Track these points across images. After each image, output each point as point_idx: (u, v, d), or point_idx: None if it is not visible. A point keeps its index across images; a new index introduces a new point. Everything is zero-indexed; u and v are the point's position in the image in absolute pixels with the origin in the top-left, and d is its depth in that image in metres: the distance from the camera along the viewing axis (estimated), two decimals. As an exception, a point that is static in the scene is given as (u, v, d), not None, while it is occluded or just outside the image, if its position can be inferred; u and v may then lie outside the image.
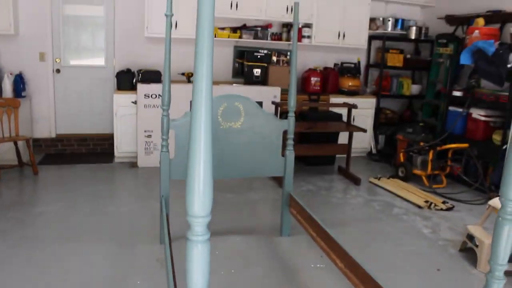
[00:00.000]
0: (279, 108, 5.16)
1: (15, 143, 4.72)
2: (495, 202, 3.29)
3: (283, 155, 3.38)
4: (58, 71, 5.62)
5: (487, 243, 3.15)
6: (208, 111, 1.01)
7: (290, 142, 3.35)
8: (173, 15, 3.04)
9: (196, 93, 1.02)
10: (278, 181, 4.83)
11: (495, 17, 5.34)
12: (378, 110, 6.24)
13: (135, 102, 5.11)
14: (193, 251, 1.05)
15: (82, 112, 5.77)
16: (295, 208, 3.30)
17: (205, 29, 1.02)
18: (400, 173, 5.20)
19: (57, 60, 5.58)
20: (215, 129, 3.16)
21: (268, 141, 3.30)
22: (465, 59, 5.06)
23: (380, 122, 6.32)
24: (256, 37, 5.80)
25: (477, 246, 3.24)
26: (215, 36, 5.62)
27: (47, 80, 5.57)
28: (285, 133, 3.35)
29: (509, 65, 4.65)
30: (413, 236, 3.66)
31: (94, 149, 5.84)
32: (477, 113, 5.08)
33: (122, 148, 5.30)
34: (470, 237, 3.33)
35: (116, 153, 5.33)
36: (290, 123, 3.33)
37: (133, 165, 5.23)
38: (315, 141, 5.24)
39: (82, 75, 5.71)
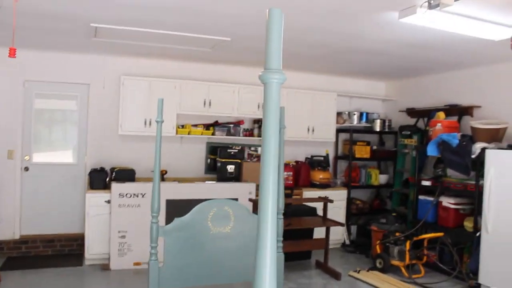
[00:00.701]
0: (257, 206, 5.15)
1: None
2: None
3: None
4: (26, 169, 5.46)
5: None
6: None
7: (280, 244, 3.32)
8: (163, 121, 3.07)
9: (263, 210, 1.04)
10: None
11: (453, 110, 5.71)
12: (350, 201, 6.34)
13: (109, 202, 4.99)
14: None
15: (50, 211, 5.55)
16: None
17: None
18: (378, 265, 5.20)
19: (26, 157, 5.45)
20: (205, 235, 3.10)
21: (258, 244, 3.25)
22: (431, 150, 5.30)
23: (352, 213, 6.40)
24: (228, 133, 5.91)
25: None
26: (188, 134, 5.70)
27: (14, 179, 5.39)
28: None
29: (473, 156, 4.90)
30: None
31: (62, 250, 5.56)
32: (447, 201, 5.25)
33: (93, 249, 5.07)
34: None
35: (86, 255, 5.09)
36: (279, 225, 3.31)
37: (105, 267, 5.00)
38: (291, 237, 5.21)
39: (52, 173, 5.57)
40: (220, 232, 3.15)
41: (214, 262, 3.13)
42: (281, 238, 3.33)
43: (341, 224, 4.99)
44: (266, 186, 1.13)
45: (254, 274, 1.09)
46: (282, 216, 3.35)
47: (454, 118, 5.69)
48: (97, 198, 5.03)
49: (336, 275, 4.90)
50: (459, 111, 5.68)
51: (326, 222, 5.15)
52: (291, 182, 5.93)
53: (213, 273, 3.14)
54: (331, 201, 5.27)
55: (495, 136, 5.02)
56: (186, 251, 3.07)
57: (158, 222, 3.01)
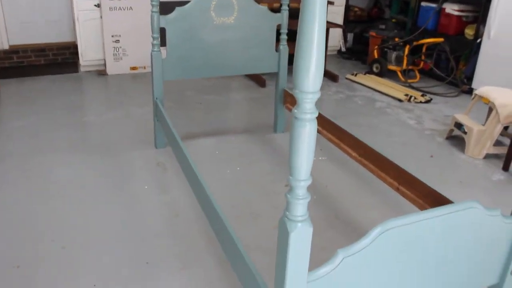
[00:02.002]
0: None
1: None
2: (481, 91, 3.39)
3: (276, 50, 3.27)
4: (4, -28, 5.05)
5: (475, 130, 3.28)
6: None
7: (284, 37, 3.23)
8: None
9: None
10: (256, 80, 4.75)
11: None
12: (348, 8, 6.11)
13: (98, 5, 4.73)
14: (301, 130, 0.99)
15: (37, 19, 5.29)
16: (291, 103, 3.26)
17: None
18: (374, 69, 5.23)
19: (1, -41, 5.00)
20: (208, 25, 2.98)
21: (262, 36, 3.17)
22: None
23: (349, 20, 6.22)
24: None
25: (465, 133, 3.37)
26: None
27: (-8, -16, 5.02)
28: (278, 27, 3.22)
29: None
30: (400, 128, 3.76)
31: (55, 60, 5.45)
32: (451, 8, 5.06)
33: (87, 55, 4.97)
34: (458, 125, 3.45)
35: (81, 62, 5.00)
36: (283, 17, 3.19)
37: (102, 72, 4.96)
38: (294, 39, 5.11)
39: (32, -24, 5.17)
40: (224, 23, 3.03)
41: (217, 54, 3.07)
42: (286, 31, 3.23)
43: (340, 26, 4.87)
44: None
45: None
46: (287, 8, 3.21)
47: None
48: (85, 1, 4.75)
49: (333, 77, 4.95)
50: None
51: (326, 24, 5.01)
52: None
53: (215, 65, 3.11)
54: (332, 3, 5.06)
55: None
56: (188, 42, 2.98)
57: (158, 11, 2.85)
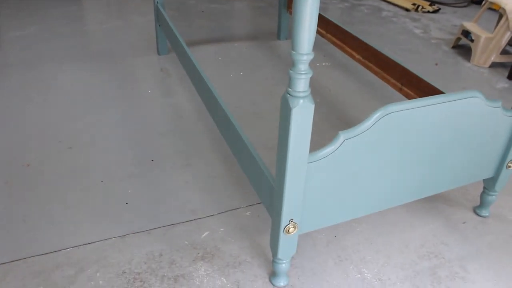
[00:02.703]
0: None
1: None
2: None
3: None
4: None
5: (483, 37, 3.22)
6: None
7: None
8: None
9: None
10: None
11: None
12: None
13: None
14: (304, 2, 0.98)
15: None
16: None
17: None
18: (382, -21, 5.04)
19: None
20: None
21: None
22: None
23: None
24: None
25: (472, 41, 3.31)
26: None
27: None
28: None
29: None
30: (406, 37, 3.69)
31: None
32: None
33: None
34: (466, 33, 3.38)
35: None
36: None
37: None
38: None
39: None
40: None
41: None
42: None
43: None
44: None
45: None
46: None
47: None
48: None
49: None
50: None
51: None
52: None
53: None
54: None
55: None
56: None
57: None
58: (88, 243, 1.65)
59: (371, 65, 2.37)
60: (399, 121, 1.30)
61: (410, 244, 1.67)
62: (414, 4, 4.32)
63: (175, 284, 1.49)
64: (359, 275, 1.53)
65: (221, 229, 1.71)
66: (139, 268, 1.54)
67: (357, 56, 2.48)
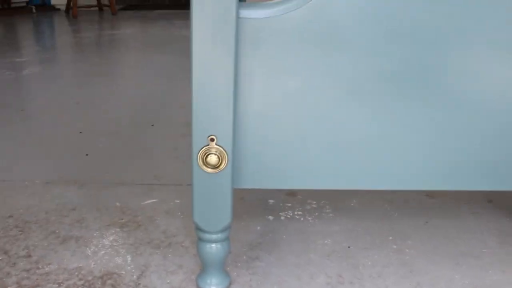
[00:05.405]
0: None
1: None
2: None
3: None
4: None
5: None
6: None
7: None
8: None
9: None
10: None
11: None
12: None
13: None
14: None
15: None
16: None
17: None
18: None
19: None
20: None
21: None
22: None
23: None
24: None
25: None
26: None
27: None
28: None
29: None
30: None
31: None
32: None
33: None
34: None
35: None
36: None
37: None
38: None
39: None
40: None
41: None
42: None
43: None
44: None
45: None
46: None
47: None
48: None
49: None
50: None
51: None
52: None
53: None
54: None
55: None
56: None
57: None
58: (7, 180, 1.21)
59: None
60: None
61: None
62: None
63: (59, 246, 0.94)
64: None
65: (177, 201, 1.13)
66: (34, 217, 1.04)
67: None
